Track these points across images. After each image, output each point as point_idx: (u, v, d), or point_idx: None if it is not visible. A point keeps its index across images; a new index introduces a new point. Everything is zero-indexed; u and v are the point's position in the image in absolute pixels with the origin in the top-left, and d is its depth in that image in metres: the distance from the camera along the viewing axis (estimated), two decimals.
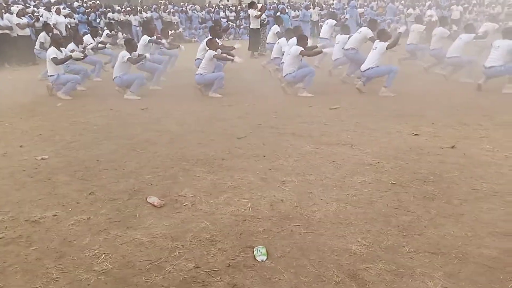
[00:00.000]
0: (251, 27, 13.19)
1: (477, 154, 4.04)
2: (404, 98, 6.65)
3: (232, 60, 7.30)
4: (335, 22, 10.61)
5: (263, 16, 13.26)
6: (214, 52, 7.09)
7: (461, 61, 8.02)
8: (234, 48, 8.26)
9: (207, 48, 7.28)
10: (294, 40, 7.54)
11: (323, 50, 7.68)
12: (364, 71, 7.10)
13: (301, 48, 7.00)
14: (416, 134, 4.72)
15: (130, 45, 7.14)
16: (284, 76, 7.27)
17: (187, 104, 6.66)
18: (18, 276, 2.32)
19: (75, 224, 2.86)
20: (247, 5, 16.30)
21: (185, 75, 8.83)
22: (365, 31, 8.07)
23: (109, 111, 6.20)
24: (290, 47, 7.30)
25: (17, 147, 4.60)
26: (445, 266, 2.32)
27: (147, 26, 9.15)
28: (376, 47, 7.02)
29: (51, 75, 7.15)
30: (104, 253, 2.50)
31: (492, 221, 2.79)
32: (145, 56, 7.43)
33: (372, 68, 6.96)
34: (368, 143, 4.47)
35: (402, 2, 22.62)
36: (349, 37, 8.45)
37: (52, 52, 7.04)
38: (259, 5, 13.81)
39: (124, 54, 7.03)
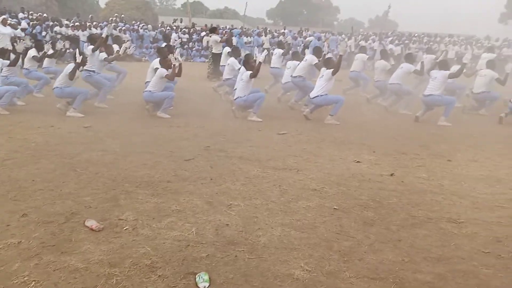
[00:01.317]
0: (213, 51, 13.17)
1: (414, 182, 4.27)
2: (348, 127, 6.92)
3: (175, 64, 7.10)
4: (282, 51, 10.94)
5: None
6: (166, 72, 7.02)
7: (402, 89, 8.49)
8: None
9: (158, 67, 7.19)
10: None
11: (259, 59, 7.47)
12: (312, 98, 7.33)
13: (250, 72, 7.13)
14: (358, 162, 4.91)
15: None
16: (235, 99, 7.34)
17: (134, 123, 6.50)
18: None
19: (4, 249, 2.65)
20: (208, 30, 16.46)
21: (133, 94, 8.66)
22: (310, 58, 8.40)
23: (50, 128, 5.91)
24: (242, 74, 7.39)
25: None
26: None
27: (91, 38, 8.80)
28: (322, 75, 7.30)
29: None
30: (35, 280, 2.34)
31: (427, 247, 2.93)
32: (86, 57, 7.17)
33: (321, 95, 7.20)
34: (313, 168, 4.58)
35: (348, 34, 23.92)
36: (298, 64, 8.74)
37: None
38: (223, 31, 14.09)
39: (70, 66, 6.79)
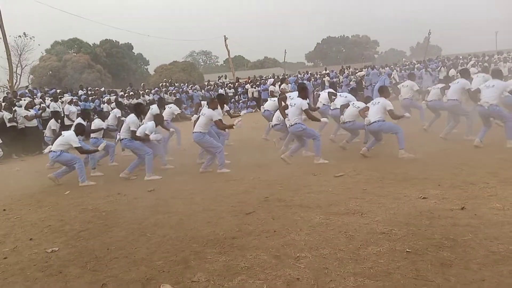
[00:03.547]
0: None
1: (488, 214, 4.01)
2: (406, 161, 6.71)
3: (233, 127, 7.38)
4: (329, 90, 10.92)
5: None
6: (216, 115, 7.22)
7: (459, 107, 8.20)
8: (240, 116, 8.49)
9: (205, 112, 7.39)
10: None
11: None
12: (369, 125, 7.33)
13: (305, 102, 7.35)
14: (424, 198, 4.72)
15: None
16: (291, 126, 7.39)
17: (193, 182, 6.72)
18: None
19: None
20: (279, 80, 17.03)
21: (188, 153, 9.01)
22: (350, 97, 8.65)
23: (117, 196, 6.26)
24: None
25: (26, 240, 4.59)
26: None
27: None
28: (378, 102, 7.37)
29: (54, 151, 7.29)
30: None
31: None
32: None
33: (378, 121, 7.21)
34: (378, 210, 4.46)
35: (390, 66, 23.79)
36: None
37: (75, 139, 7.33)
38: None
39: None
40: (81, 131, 7.55)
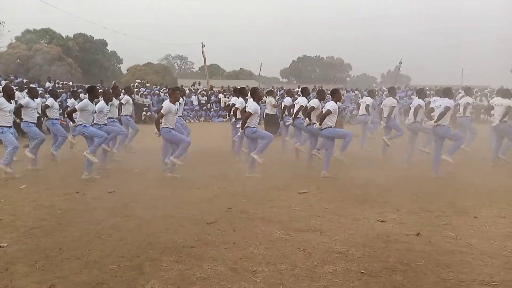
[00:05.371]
0: (267, 112, 12.93)
1: (441, 242, 4.16)
2: (368, 184, 6.86)
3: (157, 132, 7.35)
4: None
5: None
6: (174, 106, 7.30)
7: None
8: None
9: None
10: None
11: None
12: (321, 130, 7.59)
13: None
14: (382, 221, 4.83)
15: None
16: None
17: (156, 187, 6.60)
18: None
19: None
20: (266, 92, 16.48)
21: (153, 157, 8.85)
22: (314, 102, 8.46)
23: (75, 195, 6.05)
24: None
25: None
26: None
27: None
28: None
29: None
30: None
31: None
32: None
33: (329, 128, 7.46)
34: (337, 229, 4.53)
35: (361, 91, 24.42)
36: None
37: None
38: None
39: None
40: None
